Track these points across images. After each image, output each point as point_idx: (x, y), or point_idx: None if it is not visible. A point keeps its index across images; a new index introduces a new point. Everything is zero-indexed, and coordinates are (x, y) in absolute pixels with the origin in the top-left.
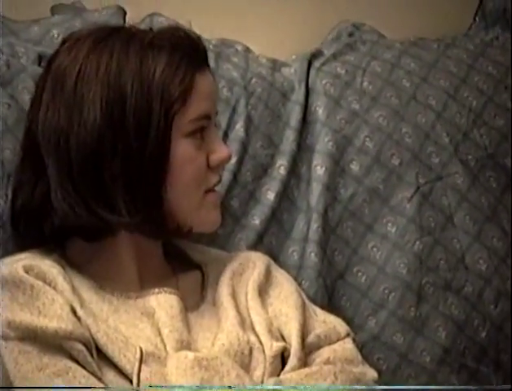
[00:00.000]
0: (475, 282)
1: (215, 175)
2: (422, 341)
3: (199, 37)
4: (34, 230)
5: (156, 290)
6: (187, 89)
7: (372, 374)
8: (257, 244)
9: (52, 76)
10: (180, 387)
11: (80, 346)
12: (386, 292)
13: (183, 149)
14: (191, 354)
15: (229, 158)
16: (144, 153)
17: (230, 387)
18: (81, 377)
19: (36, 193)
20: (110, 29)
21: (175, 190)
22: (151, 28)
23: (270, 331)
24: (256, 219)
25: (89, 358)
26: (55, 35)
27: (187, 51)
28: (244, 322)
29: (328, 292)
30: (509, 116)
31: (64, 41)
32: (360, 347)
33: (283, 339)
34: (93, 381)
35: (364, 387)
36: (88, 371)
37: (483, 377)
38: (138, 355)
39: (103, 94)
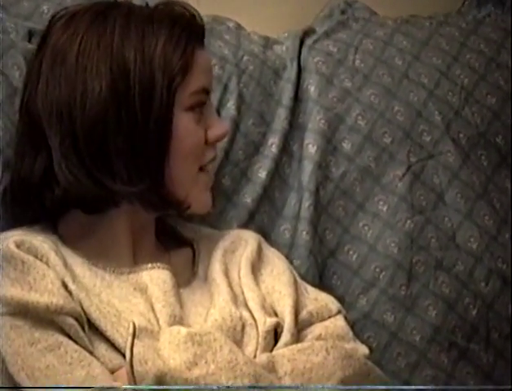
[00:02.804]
0: (466, 260)
1: (211, 151)
2: (413, 320)
3: (197, 12)
4: (33, 205)
5: (149, 265)
6: (188, 62)
7: (363, 350)
8: (248, 222)
9: (51, 51)
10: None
11: (71, 321)
12: (377, 270)
13: (184, 122)
14: (184, 330)
15: (226, 134)
16: (148, 125)
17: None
18: (73, 352)
19: (36, 166)
20: (107, 3)
21: (175, 162)
22: (147, 4)
23: (263, 307)
24: (247, 197)
25: (80, 333)
26: (45, 10)
27: (186, 26)
28: (237, 299)
29: (319, 270)
30: (501, 94)
31: (54, 18)
32: (351, 325)
33: (276, 315)
34: (84, 355)
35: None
36: (80, 346)
37: (474, 355)
38: (131, 330)
39: (107, 66)
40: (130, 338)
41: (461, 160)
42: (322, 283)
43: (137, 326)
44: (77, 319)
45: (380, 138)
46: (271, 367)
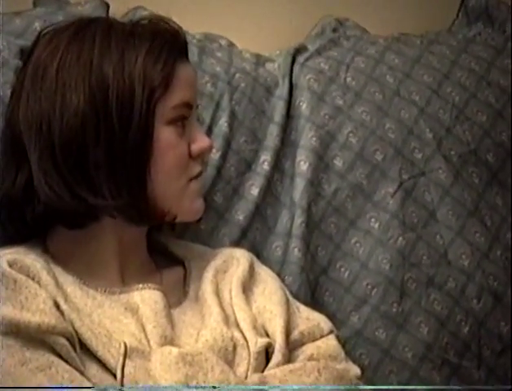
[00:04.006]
0: (458, 277)
1: (197, 165)
2: (404, 337)
3: (180, 28)
4: (17, 221)
5: (140, 286)
6: (169, 75)
7: (355, 370)
8: (240, 240)
9: (32, 67)
10: (166, 386)
11: (63, 341)
12: (369, 287)
13: (165, 136)
14: (175, 350)
15: (210, 148)
16: (127, 138)
17: (214, 387)
18: (64, 372)
19: (18, 181)
20: (89, 20)
21: (158, 176)
22: (130, 20)
23: (254, 328)
24: (240, 214)
25: (72, 353)
26: (38, 28)
27: (167, 40)
28: (229, 319)
29: (311, 287)
30: (492, 111)
31: (40, 35)
32: (343, 342)
33: (267, 335)
34: (75, 376)
35: (366, 387)
36: (71, 366)
37: (466, 373)
38: (122, 350)
39: (86, 80)
40: (121, 358)
41: (453, 177)
42: (314, 300)
43: (128, 346)
44: (68, 339)
45: (371, 155)
46: (262, 388)
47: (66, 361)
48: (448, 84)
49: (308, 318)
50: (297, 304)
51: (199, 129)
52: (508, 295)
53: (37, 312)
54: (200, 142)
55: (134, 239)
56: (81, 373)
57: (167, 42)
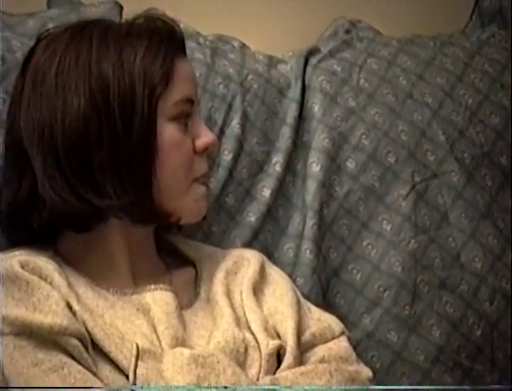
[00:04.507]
0: (470, 280)
1: (202, 162)
2: (416, 340)
3: (176, 24)
4: (22, 230)
5: (152, 287)
6: (169, 71)
7: (367, 372)
8: (252, 241)
9: (31, 72)
10: (178, 386)
11: (75, 342)
12: (381, 289)
13: (169, 133)
14: (187, 351)
15: (214, 143)
16: (131, 137)
17: (226, 387)
18: (77, 373)
19: (21, 189)
20: (86, 22)
21: (164, 175)
22: (126, 20)
23: (265, 330)
24: (251, 216)
25: (84, 354)
26: (51, 29)
27: (164, 37)
28: (240, 321)
29: (322, 289)
30: (505, 114)
31: (38, 40)
32: (355, 344)
33: (278, 337)
34: (88, 377)
35: (361, 387)
36: (83, 367)
37: (478, 376)
38: (134, 351)
39: (86, 82)
40: (133, 359)
41: (465, 179)
42: (325, 302)
43: (140, 347)
44: (81, 340)
45: (384, 157)
46: (273, 389)
47: (78, 362)
48: (461, 86)
49: (319, 319)
50: (309, 305)
51: (202, 124)
52: None
53: (49, 313)
54: (205, 137)
55: (142, 239)
56: (94, 374)
57: (164, 39)
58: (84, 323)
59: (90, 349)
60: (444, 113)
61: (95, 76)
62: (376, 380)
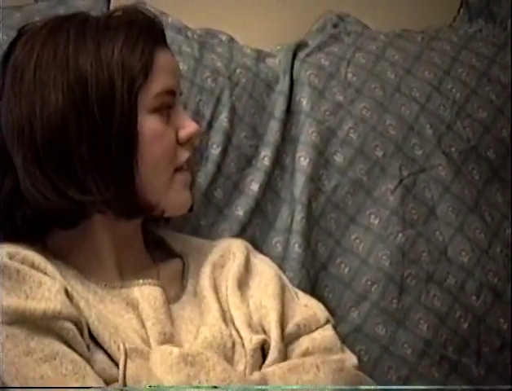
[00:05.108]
0: (458, 274)
1: (185, 152)
2: (404, 333)
3: (155, 15)
4: (9, 226)
5: (141, 281)
6: (148, 63)
7: (352, 360)
8: (240, 235)
9: (10, 69)
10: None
11: (69, 325)
12: (369, 283)
13: (150, 125)
14: (176, 350)
15: (198, 133)
16: (111, 131)
17: (215, 387)
18: (68, 363)
19: (4, 187)
20: (63, 17)
21: (146, 167)
22: (104, 14)
23: (249, 325)
24: (240, 210)
25: (78, 338)
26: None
27: (143, 29)
28: (226, 315)
29: (311, 283)
30: (493, 108)
31: (19, 35)
32: (343, 338)
33: (264, 331)
34: (79, 367)
35: (366, 387)
36: (77, 352)
37: (465, 369)
38: (122, 350)
39: (64, 77)
40: (122, 358)
41: (453, 173)
42: (314, 296)
43: (127, 347)
44: (75, 324)
45: (372, 151)
46: (263, 384)
47: (73, 346)
48: (449, 80)
49: (306, 305)
50: (296, 290)
51: (185, 115)
52: (507, 291)
53: (42, 300)
54: (188, 127)
55: (128, 233)
56: (87, 359)
57: (143, 31)
58: (81, 310)
59: (86, 334)
60: (432, 107)
61: (73, 71)
62: (363, 371)
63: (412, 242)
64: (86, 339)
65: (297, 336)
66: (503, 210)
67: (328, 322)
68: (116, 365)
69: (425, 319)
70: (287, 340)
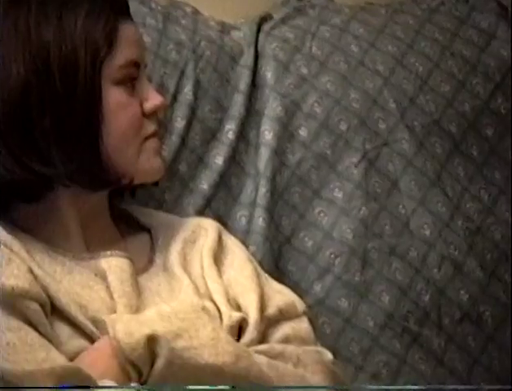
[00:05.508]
0: (419, 247)
1: (151, 124)
2: (366, 306)
3: None
4: None
5: (108, 252)
6: (111, 34)
7: (328, 355)
8: (205, 209)
9: None
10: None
11: (35, 306)
12: (332, 256)
13: (114, 96)
14: (168, 307)
15: (163, 105)
16: (74, 103)
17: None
18: (34, 336)
19: None
20: None
21: (112, 139)
22: None
23: (228, 301)
24: (204, 183)
25: (43, 319)
26: None
27: (106, 0)
28: (199, 290)
29: (274, 256)
30: (455, 82)
31: None
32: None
33: (239, 309)
34: (44, 341)
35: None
36: (40, 332)
37: (426, 340)
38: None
39: (25, 49)
40: (111, 316)
41: (416, 147)
42: (278, 270)
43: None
44: (41, 305)
45: (336, 125)
46: (249, 352)
47: (36, 327)
48: (412, 54)
49: (280, 292)
50: (266, 275)
51: (150, 87)
52: (468, 264)
53: (11, 277)
54: (153, 99)
55: (94, 206)
56: (50, 340)
57: (106, 2)
58: (46, 288)
59: (49, 313)
60: (395, 81)
61: (35, 42)
62: (326, 345)
63: (375, 215)
64: (50, 318)
65: (277, 320)
66: (464, 184)
67: (304, 313)
68: (87, 339)
69: (387, 292)
70: (267, 323)
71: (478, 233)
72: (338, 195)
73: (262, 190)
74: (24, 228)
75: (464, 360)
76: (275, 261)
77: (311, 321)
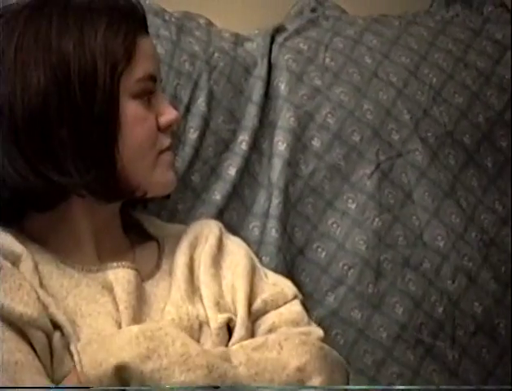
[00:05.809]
0: (433, 258)
1: (166, 138)
2: (379, 317)
3: (138, 1)
4: None
5: (115, 264)
6: (131, 48)
7: (317, 333)
8: (217, 220)
9: None
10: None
11: (40, 334)
12: (345, 268)
13: (132, 109)
14: (135, 327)
15: (177, 120)
16: (92, 114)
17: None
18: (37, 359)
19: None
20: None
21: (128, 151)
22: None
23: (217, 304)
24: (217, 194)
25: (46, 351)
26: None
27: (126, 14)
28: (195, 294)
29: (288, 267)
30: (469, 93)
31: None
32: (319, 322)
33: (231, 310)
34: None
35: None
36: (39, 359)
37: (439, 352)
38: (74, 350)
39: (46, 59)
40: (78, 346)
41: (429, 158)
42: (291, 281)
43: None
44: (46, 334)
45: (349, 136)
46: (225, 357)
47: (39, 357)
48: (426, 65)
49: (275, 284)
50: (266, 270)
51: (165, 101)
52: (482, 276)
53: (20, 303)
54: (168, 114)
55: (107, 217)
56: (48, 374)
57: (126, 16)
58: (46, 307)
59: (58, 338)
60: (409, 92)
61: (55, 52)
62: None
63: (388, 226)
64: (61, 339)
65: (264, 312)
66: (478, 195)
67: (295, 297)
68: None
69: (400, 303)
70: (254, 317)
71: (493, 244)
72: (351, 206)
73: (275, 201)
74: (35, 238)
75: (478, 372)
76: (288, 272)
77: (303, 303)
